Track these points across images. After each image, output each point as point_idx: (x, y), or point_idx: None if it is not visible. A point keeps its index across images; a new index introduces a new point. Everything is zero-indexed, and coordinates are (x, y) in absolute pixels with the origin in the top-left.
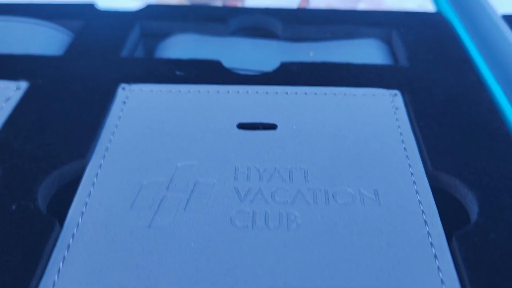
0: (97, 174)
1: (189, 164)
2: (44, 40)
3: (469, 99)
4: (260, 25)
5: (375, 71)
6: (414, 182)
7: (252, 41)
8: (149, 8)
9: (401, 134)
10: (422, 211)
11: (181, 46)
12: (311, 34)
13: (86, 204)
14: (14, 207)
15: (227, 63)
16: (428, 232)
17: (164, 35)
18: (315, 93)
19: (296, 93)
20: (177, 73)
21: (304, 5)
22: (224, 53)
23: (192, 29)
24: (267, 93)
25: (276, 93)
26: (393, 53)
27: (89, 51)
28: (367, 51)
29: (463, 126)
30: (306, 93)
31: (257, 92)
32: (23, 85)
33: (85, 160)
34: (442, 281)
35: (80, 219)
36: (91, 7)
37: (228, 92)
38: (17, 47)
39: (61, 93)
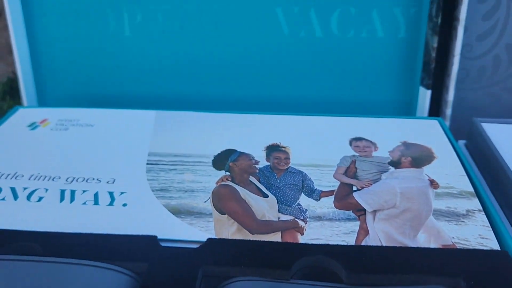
0: None
1: None
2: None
3: None
4: (323, 265)
5: None
6: None
7: None
8: (210, 245)
9: None
10: None
11: None
12: (376, 281)
13: None
14: None
15: None
16: None
17: (225, 277)
18: None
19: None
20: None
21: (363, 237)
22: None
23: (253, 273)
24: None
25: None
26: None
27: None
28: None
29: None
30: None
31: None
32: None
33: None
34: None
35: None
36: (154, 240)
37: None
38: None
39: None
